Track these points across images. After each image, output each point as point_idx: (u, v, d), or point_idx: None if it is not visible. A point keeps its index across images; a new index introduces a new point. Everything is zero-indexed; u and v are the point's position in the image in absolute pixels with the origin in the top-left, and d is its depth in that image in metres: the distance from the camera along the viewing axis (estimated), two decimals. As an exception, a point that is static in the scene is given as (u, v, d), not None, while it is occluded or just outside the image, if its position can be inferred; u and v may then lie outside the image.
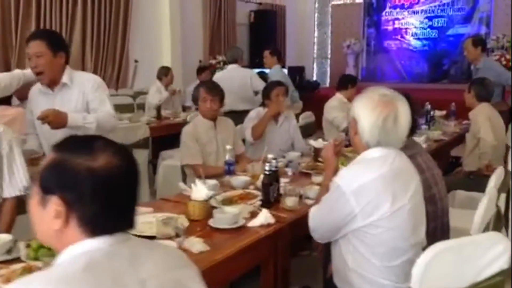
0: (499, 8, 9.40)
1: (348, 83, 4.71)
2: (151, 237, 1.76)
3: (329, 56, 12.10)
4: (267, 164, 2.24)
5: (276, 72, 5.06)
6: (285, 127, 3.70)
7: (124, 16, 7.83)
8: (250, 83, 4.75)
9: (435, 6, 10.38)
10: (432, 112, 4.63)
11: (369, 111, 1.70)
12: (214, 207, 2.13)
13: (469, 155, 3.58)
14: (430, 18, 10.47)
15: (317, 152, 3.30)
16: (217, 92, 3.02)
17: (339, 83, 4.82)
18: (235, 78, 4.61)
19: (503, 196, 2.74)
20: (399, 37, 10.91)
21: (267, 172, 2.23)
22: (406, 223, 1.66)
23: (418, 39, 10.65)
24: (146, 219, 1.93)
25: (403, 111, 1.69)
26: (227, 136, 3.10)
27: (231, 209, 2.04)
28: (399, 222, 1.64)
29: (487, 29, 9.72)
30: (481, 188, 2.61)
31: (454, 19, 10.18)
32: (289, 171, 2.89)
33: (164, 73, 6.24)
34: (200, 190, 2.04)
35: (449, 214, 2.17)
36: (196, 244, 1.72)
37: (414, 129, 2.24)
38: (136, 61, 8.30)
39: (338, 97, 4.68)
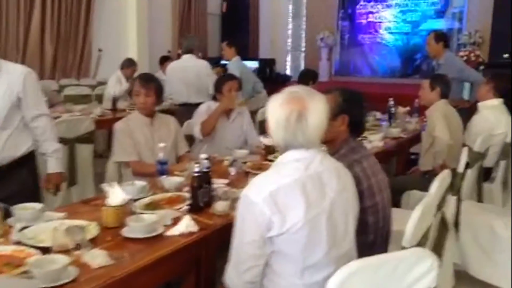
0: (472, 3, 9.35)
1: (309, 79, 4.57)
2: (46, 249, 1.57)
3: (303, 49, 11.94)
4: (196, 165, 2.06)
5: (235, 65, 4.86)
6: (238, 122, 3.53)
7: (86, 3, 7.53)
8: (205, 74, 4.56)
9: (409, 0, 10.30)
10: (393, 109, 4.50)
11: (275, 109, 1.57)
12: (139, 213, 1.96)
13: (424, 154, 3.45)
14: (403, 12, 10.39)
15: (267, 149, 3.14)
16: (152, 85, 2.80)
17: (299, 78, 4.69)
18: (190, 69, 4.42)
19: (452, 199, 2.62)
20: (372, 31, 10.82)
21: (195, 174, 2.05)
22: (324, 234, 1.51)
23: (391, 33, 10.57)
24: (52, 226, 1.74)
25: (315, 109, 1.54)
26: (167, 135, 2.90)
27: (148, 216, 1.85)
28: (316, 232, 1.49)
29: (460, 24, 9.68)
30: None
31: (427, 14, 10.12)
32: (233, 171, 2.72)
33: (127, 64, 5.99)
34: (116, 194, 1.85)
35: (391, 221, 2.03)
36: (98, 257, 1.53)
37: (361, 130, 2.08)
38: (100, 50, 8.04)
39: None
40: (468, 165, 3.13)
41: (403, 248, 1.60)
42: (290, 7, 11.84)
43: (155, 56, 8.20)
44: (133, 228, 1.76)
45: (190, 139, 3.48)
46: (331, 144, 1.99)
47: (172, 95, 4.79)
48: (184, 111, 4.22)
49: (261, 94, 5.44)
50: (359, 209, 1.72)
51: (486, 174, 3.62)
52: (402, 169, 4.01)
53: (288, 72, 11.61)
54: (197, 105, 4.28)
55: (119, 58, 6.52)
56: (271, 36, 11.58)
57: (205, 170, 2.11)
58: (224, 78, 3.44)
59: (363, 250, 1.79)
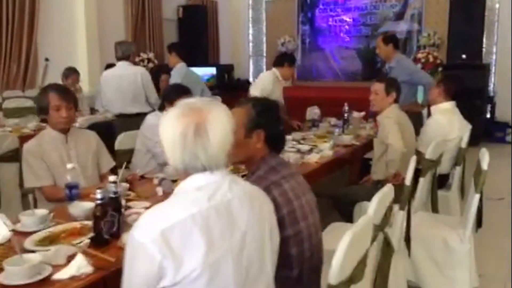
0: (430, 5, 9.32)
1: (284, 61, 4.44)
2: None
3: (264, 54, 11.73)
4: (98, 191, 1.76)
5: (177, 72, 4.57)
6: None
7: (30, 10, 7.11)
8: (141, 83, 4.26)
9: (367, 3, 10.22)
10: (346, 115, 4.29)
11: (168, 125, 1.30)
12: (30, 251, 1.65)
13: (376, 162, 3.24)
14: (363, 15, 10.30)
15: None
16: (71, 96, 2.51)
17: (275, 60, 4.64)
18: (125, 77, 4.13)
19: (400, 214, 2.40)
20: (333, 34, 10.70)
21: (98, 201, 1.75)
22: (230, 279, 1.24)
23: (352, 36, 10.46)
24: None
25: (216, 120, 1.29)
26: (86, 152, 2.59)
27: (34, 256, 1.55)
28: (220, 278, 1.22)
29: (418, 26, 9.64)
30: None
31: (386, 16, 10.05)
32: (159, 191, 2.43)
33: (67, 74, 5.64)
34: (-6, 231, 1.54)
35: (322, 249, 1.78)
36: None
37: (281, 145, 1.83)
38: (46, 59, 7.62)
39: (273, 71, 4.46)
40: (420, 173, 2.94)
41: (329, 286, 1.34)
42: (250, 12, 11.62)
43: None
44: (10, 273, 1.45)
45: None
46: (248, 165, 1.74)
47: (107, 105, 4.46)
48: (122, 122, 3.91)
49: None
50: (279, 240, 1.46)
51: (441, 182, 3.45)
52: (357, 178, 3.79)
53: (250, 77, 11.38)
54: (134, 115, 4.00)
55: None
56: (231, 42, 11.33)
57: (112, 195, 1.81)
58: (178, 90, 3.12)
59: (287, 286, 1.53)
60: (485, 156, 2.56)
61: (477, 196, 2.52)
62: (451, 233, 2.64)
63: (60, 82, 5.71)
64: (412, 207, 2.96)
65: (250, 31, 11.75)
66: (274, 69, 4.50)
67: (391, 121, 3.11)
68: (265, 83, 4.37)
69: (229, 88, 8.76)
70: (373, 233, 1.75)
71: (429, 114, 3.47)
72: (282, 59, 4.43)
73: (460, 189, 3.51)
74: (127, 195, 2.33)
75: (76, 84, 5.62)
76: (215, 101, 1.36)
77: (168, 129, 1.29)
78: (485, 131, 7.55)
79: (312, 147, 3.54)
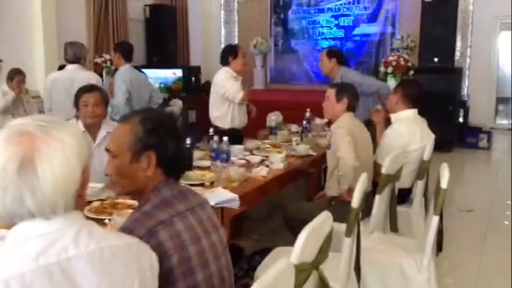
0: (404, 6, 9.12)
1: (227, 56, 4.07)
2: None
3: (237, 55, 11.39)
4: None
5: (121, 74, 4.20)
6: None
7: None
8: (94, 88, 3.88)
9: (341, 5, 9.99)
10: (305, 122, 3.97)
11: None
12: None
13: (330, 177, 2.93)
14: (336, 17, 10.06)
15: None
16: None
17: (220, 60, 4.20)
18: (77, 82, 3.74)
19: (347, 242, 2.08)
20: (306, 36, 10.43)
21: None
22: None
23: (325, 38, 10.20)
24: None
25: (53, 152, 0.94)
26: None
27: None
28: None
29: (392, 28, 9.44)
30: (343, 216, 2.11)
31: (360, 18, 9.82)
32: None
33: (11, 75, 5.23)
34: None
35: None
36: None
37: (181, 169, 1.45)
38: (0, 60, 7.18)
39: (225, 70, 4.08)
40: (375, 190, 2.65)
41: None
42: (222, 12, 11.29)
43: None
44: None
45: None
46: (138, 197, 1.39)
47: (52, 110, 4.08)
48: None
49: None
50: None
51: (403, 196, 3.16)
52: (314, 192, 3.47)
53: (221, 80, 11.04)
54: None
55: (24, 69, 5.73)
56: (202, 44, 10.97)
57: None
58: (80, 90, 2.79)
59: None
60: (444, 172, 2.27)
61: (436, 218, 2.23)
62: (408, 259, 2.34)
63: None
64: (367, 227, 2.67)
65: (222, 33, 11.42)
66: (224, 69, 4.12)
67: (343, 131, 2.79)
68: (225, 84, 3.99)
69: (196, 91, 8.41)
70: (302, 274, 1.44)
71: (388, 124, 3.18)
72: (224, 55, 4.06)
73: (424, 204, 3.22)
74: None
75: (21, 86, 5.21)
76: (60, 123, 1.00)
77: None
78: (458, 136, 7.34)
79: (264, 158, 3.22)
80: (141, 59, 9.67)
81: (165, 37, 9.69)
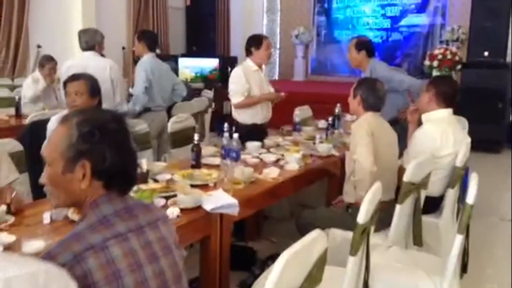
0: (455, -4, 8.58)
1: (250, 47, 3.74)
2: None
3: (278, 46, 11.12)
4: None
5: (143, 64, 4.04)
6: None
7: (19, -6, 6.74)
8: (109, 77, 3.77)
9: (388, -6, 9.51)
10: (331, 118, 3.69)
11: None
12: None
13: (348, 181, 2.67)
14: (383, 7, 9.60)
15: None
16: None
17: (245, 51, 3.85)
18: (91, 70, 3.63)
19: (351, 261, 1.84)
20: (350, 26, 10.03)
21: None
22: None
23: (370, 29, 9.77)
24: None
25: None
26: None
27: None
28: None
29: (442, 19, 8.91)
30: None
31: (408, 9, 9.33)
32: (46, 218, 1.92)
33: (41, 63, 5.21)
34: None
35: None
36: None
37: (129, 181, 1.23)
38: (38, 46, 7.27)
39: (242, 64, 3.82)
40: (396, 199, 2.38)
41: None
42: (264, 1, 11.03)
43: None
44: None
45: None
46: (79, 211, 1.20)
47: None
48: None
49: (179, 101, 4.62)
50: None
51: (433, 205, 2.85)
52: (336, 195, 3.21)
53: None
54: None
55: (63, 56, 5.74)
56: (243, 33, 10.75)
57: None
58: (69, 78, 2.69)
59: None
60: (473, 185, 1.97)
61: (460, 237, 1.95)
62: (425, 281, 2.06)
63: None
64: (386, 240, 2.41)
65: (264, 22, 11.17)
66: (247, 59, 3.83)
67: (362, 131, 2.51)
68: (232, 84, 3.76)
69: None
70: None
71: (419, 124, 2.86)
72: (247, 46, 3.75)
73: (457, 215, 2.91)
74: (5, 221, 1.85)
75: (52, 74, 5.19)
76: None
77: None
78: (508, 136, 6.80)
79: (280, 157, 2.99)
80: (181, 48, 9.61)
81: (205, 26, 9.57)
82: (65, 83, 2.70)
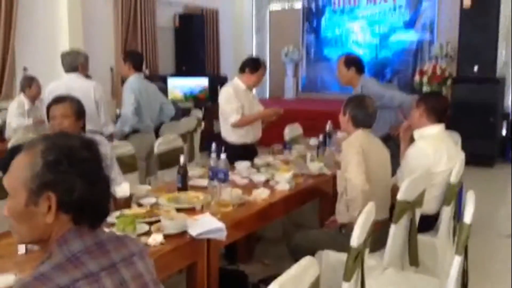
0: (443, 13, 8.63)
1: (245, 67, 3.71)
2: None
3: (268, 64, 11.10)
4: None
5: (129, 84, 3.95)
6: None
7: (6, 14, 6.67)
8: (93, 97, 3.68)
9: (376, 12, 9.56)
10: (321, 136, 3.62)
11: None
12: None
13: (340, 200, 2.58)
14: (371, 24, 9.64)
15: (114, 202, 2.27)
16: None
17: (240, 66, 3.82)
18: (74, 91, 3.55)
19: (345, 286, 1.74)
20: (339, 44, 10.06)
21: None
22: None
23: (359, 46, 9.79)
24: None
25: None
26: None
27: None
28: None
29: (431, 35, 8.94)
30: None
31: (396, 25, 9.37)
32: (21, 249, 1.82)
33: (28, 84, 5.12)
34: None
35: None
36: None
37: (101, 213, 1.10)
38: (25, 69, 7.17)
39: (232, 82, 3.79)
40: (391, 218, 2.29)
41: None
42: (254, 20, 11.07)
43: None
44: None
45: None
46: (44, 248, 1.08)
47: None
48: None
49: (168, 122, 4.53)
50: None
51: (428, 224, 2.77)
52: (328, 216, 3.12)
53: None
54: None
55: (49, 77, 5.63)
56: (233, 52, 10.76)
57: None
58: (51, 101, 2.61)
59: None
60: (469, 204, 1.89)
61: (459, 258, 1.86)
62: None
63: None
64: (381, 262, 2.31)
65: (254, 41, 11.19)
66: (235, 78, 3.81)
67: (353, 149, 2.43)
68: (225, 105, 3.72)
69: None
70: None
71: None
72: (243, 64, 3.72)
73: (453, 233, 2.82)
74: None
75: (40, 93, 5.11)
76: None
77: None
78: (501, 151, 6.77)
79: (270, 178, 2.90)
80: (170, 68, 9.55)
81: (194, 46, 9.53)
82: (49, 106, 2.59)
